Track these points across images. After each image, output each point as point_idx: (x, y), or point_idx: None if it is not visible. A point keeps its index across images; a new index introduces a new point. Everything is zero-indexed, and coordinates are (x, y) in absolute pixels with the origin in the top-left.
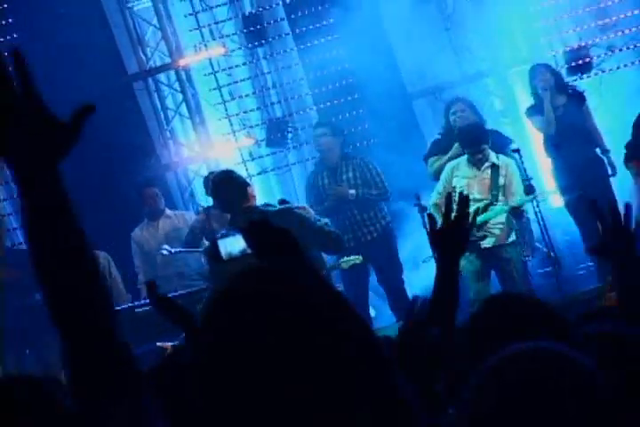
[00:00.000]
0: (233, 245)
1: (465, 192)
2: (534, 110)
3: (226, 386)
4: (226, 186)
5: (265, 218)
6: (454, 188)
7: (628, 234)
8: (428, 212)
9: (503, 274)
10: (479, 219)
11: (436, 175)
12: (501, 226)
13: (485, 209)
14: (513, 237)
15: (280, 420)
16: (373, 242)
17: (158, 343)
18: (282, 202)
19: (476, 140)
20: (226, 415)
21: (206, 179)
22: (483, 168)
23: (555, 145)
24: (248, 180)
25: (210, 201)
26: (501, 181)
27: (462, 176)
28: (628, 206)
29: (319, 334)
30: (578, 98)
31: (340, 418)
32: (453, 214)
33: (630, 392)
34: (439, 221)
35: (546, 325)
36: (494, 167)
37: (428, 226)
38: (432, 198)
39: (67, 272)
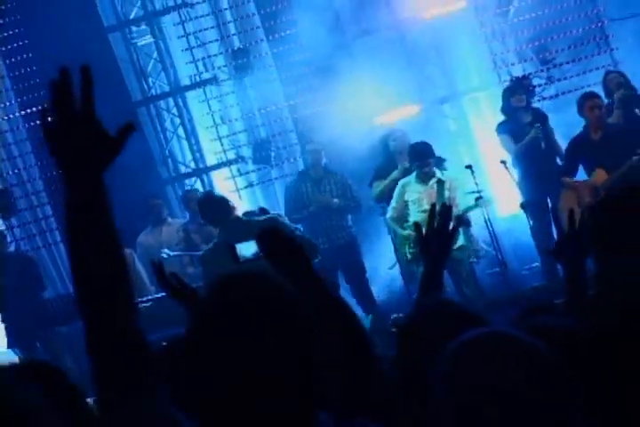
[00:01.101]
0: (247, 248)
1: (416, 205)
2: (504, 127)
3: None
4: (209, 206)
5: (275, 226)
6: (406, 202)
7: (577, 240)
8: (388, 224)
9: (455, 275)
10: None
11: (379, 198)
12: None
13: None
14: (461, 242)
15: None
16: (344, 246)
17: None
18: (262, 210)
19: (424, 153)
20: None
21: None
22: (430, 183)
23: (521, 158)
24: (235, 193)
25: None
26: (447, 193)
27: (413, 191)
28: (571, 212)
29: (309, 336)
30: (542, 117)
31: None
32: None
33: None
34: (399, 231)
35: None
36: (440, 182)
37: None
38: (388, 213)
39: (99, 265)
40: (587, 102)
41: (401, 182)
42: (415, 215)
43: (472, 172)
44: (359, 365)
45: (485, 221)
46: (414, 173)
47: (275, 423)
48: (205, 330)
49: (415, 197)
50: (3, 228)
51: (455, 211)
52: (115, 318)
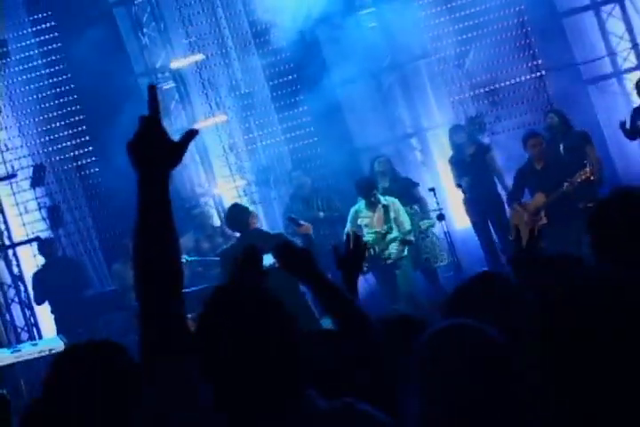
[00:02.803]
0: (267, 259)
1: (368, 227)
2: (452, 160)
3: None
4: (235, 214)
5: (289, 241)
6: (360, 225)
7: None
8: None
9: (399, 277)
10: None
11: None
12: (397, 246)
13: (384, 237)
14: (404, 253)
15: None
16: (331, 252)
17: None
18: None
19: (369, 187)
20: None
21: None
22: (377, 209)
23: (464, 183)
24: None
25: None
26: (392, 215)
27: (364, 216)
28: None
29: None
30: (484, 149)
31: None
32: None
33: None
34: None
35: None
36: (385, 207)
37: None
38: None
39: (156, 248)
40: (529, 141)
41: (353, 209)
42: (368, 236)
43: (434, 193)
44: (365, 351)
45: (445, 233)
46: (363, 202)
47: (264, 397)
48: (208, 329)
49: (366, 222)
50: (52, 236)
51: (402, 229)
52: (165, 296)
